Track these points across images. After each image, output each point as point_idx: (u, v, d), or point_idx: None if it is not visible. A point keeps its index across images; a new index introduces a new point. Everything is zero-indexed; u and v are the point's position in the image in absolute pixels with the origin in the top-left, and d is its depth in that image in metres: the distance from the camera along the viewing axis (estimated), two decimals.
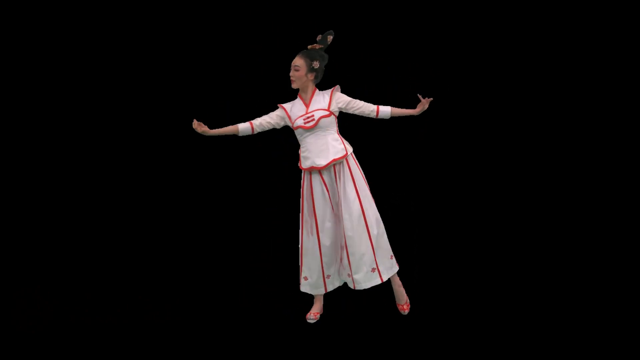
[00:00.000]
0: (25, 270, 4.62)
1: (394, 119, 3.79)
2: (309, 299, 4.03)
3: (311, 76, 3.69)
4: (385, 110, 3.68)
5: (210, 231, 4.94)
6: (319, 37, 3.74)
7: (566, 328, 3.51)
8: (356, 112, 3.70)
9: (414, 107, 3.75)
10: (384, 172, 4.77)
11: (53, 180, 4.92)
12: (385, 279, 3.68)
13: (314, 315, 3.84)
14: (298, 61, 3.68)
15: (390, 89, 3.67)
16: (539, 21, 4.65)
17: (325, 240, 3.76)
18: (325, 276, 3.81)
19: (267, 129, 3.89)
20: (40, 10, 4.88)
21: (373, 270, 3.65)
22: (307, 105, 3.70)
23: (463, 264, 4.57)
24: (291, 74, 3.70)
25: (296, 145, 3.81)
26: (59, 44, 4.90)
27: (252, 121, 3.89)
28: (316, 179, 3.72)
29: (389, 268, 3.70)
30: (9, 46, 4.86)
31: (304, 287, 3.85)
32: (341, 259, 3.76)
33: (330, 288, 3.84)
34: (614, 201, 4.56)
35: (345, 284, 3.81)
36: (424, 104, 3.69)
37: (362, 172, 3.73)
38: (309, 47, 3.73)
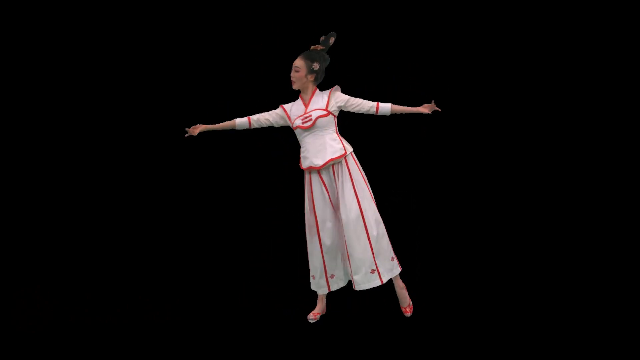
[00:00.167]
0: (25, 270, 4.62)
1: (396, 117, 3.78)
2: (308, 299, 4.02)
3: (311, 77, 3.70)
4: (385, 107, 3.66)
5: (211, 231, 4.94)
6: (322, 38, 3.74)
7: (568, 327, 3.51)
8: (356, 110, 3.70)
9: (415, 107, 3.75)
10: (385, 171, 4.77)
11: (53, 180, 4.92)
12: (385, 280, 3.67)
13: (313, 315, 3.84)
14: (298, 62, 3.68)
15: (390, 88, 3.66)
16: (539, 21, 4.65)
17: (326, 240, 3.75)
18: (329, 276, 3.81)
19: (265, 125, 3.90)
20: (40, 10, 4.88)
21: (372, 271, 3.64)
22: (306, 106, 3.71)
23: (465, 264, 4.57)
24: (292, 74, 3.70)
25: (296, 145, 3.81)
26: (59, 44, 4.90)
27: (251, 116, 3.90)
28: (315, 178, 3.73)
29: (390, 270, 3.69)
30: (9, 46, 4.87)
31: (312, 285, 3.88)
32: (346, 259, 3.75)
33: (334, 287, 3.83)
34: (614, 201, 4.56)
35: (350, 284, 3.81)
36: (433, 106, 3.69)
37: (363, 172, 3.72)
38: (312, 47, 3.73)
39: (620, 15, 4.55)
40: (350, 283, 3.78)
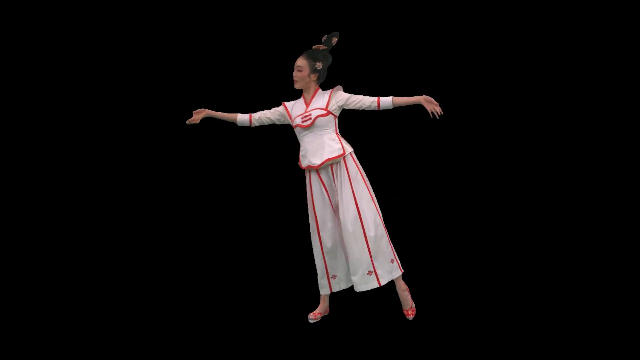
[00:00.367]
0: (25, 270, 4.62)
1: (397, 117, 3.77)
2: (309, 299, 4.02)
3: (314, 77, 3.69)
4: (386, 101, 3.61)
5: (211, 231, 4.94)
6: (324, 38, 3.74)
7: (570, 327, 3.51)
8: (357, 107, 3.66)
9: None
10: (386, 171, 4.78)
11: (53, 180, 4.92)
12: (383, 283, 3.63)
13: (313, 315, 3.83)
14: (301, 62, 3.68)
15: (390, 88, 3.65)
16: (539, 21, 4.65)
17: (327, 240, 3.74)
18: (330, 276, 3.80)
19: (267, 123, 3.91)
20: (40, 10, 4.88)
21: (370, 273, 3.61)
22: (307, 105, 3.70)
23: (466, 264, 4.57)
24: (294, 74, 3.70)
25: (296, 145, 3.81)
26: (60, 44, 4.90)
27: (252, 115, 3.90)
28: (314, 178, 3.73)
29: (389, 272, 3.65)
30: (9, 46, 4.87)
31: (319, 285, 3.87)
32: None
33: (336, 289, 3.82)
34: (614, 201, 4.56)
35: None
36: (433, 104, 3.57)
37: (363, 173, 3.70)
38: (314, 47, 3.72)
39: (620, 15, 4.55)
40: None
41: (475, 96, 4.73)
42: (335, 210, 3.72)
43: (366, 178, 3.70)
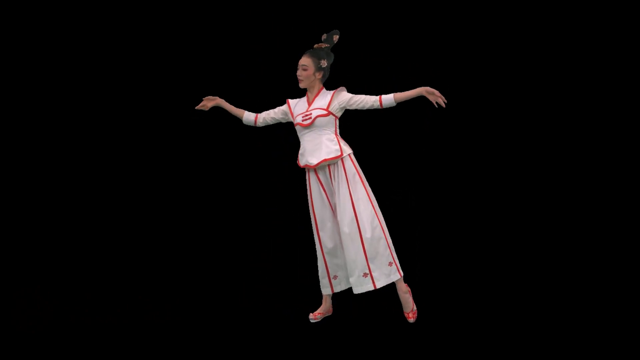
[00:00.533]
0: (25, 270, 4.62)
1: (397, 117, 3.75)
2: (309, 299, 4.02)
3: (319, 75, 3.68)
4: (389, 99, 3.57)
5: (211, 231, 4.95)
6: (324, 37, 3.73)
7: (569, 327, 3.51)
8: (360, 107, 3.63)
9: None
10: (387, 171, 4.78)
11: (53, 180, 4.92)
12: (379, 285, 3.58)
13: (314, 315, 3.83)
14: (305, 60, 3.65)
15: (390, 88, 3.65)
16: (539, 21, 4.65)
17: (327, 240, 3.74)
18: (332, 276, 3.79)
19: (271, 123, 3.91)
20: (41, 10, 4.88)
21: (365, 275, 3.58)
22: (309, 104, 3.69)
23: (467, 264, 4.56)
24: (298, 73, 3.67)
25: (296, 145, 3.81)
26: (61, 44, 4.90)
27: (258, 115, 3.90)
28: (313, 177, 3.72)
29: (386, 275, 3.60)
30: (9, 46, 4.87)
31: (320, 284, 3.87)
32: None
33: (337, 289, 3.81)
34: (614, 201, 4.56)
35: None
36: (436, 94, 3.50)
37: (361, 175, 3.67)
38: (315, 46, 3.71)
39: (620, 15, 4.55)
40: None
41: (476, 96, 4.73)
42: (334, 210, 3.71)
43: (365, 180, 3.68)
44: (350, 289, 3.72)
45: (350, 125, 3.87)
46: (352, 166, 3.65)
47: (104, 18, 4.92)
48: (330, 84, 3.79)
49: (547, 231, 4.61)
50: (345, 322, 3.78)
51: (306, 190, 3.79)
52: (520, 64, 4.68)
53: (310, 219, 3.79)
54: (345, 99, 3.64)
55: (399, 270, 3.64)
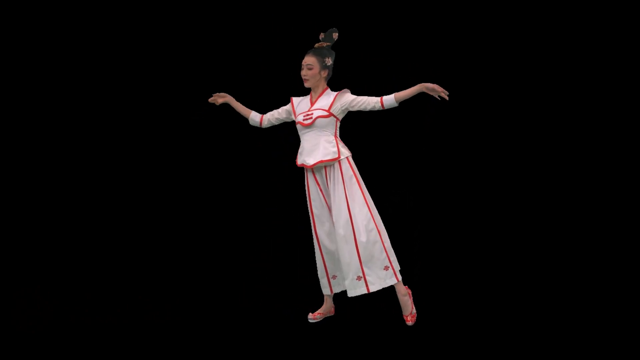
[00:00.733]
0: (25, 270, 4.62)
1: (397, 118, 3.73)
2: (309, 299, 4.02)
3: (324, 73, 3.67)
4: (390, 99, 3.54)
5: (211, 231, 4.95)
6: (321, 36, 3.71)
7: (569, 327, 3.51)
8: (362, 108, 3.61)
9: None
10: (387, 171, 4.78)
11: (53, 180, 4.92)
12: (372, 289, 3.56)
13: (312, 315, 3.82)
14: (310, 59, 3.64)
15: (390, 88, 3.64)
16: (539, 21, 4.65)
17: (325, 240, 3.73)
18: (330, 277, 3.79)
19: (277, 123, 3.91)
20: (41, 10, 4.88)
21: (359, 278, 3.56)
22: (312, 103, 3.68)
23: (467, 265, 4.56)
24: (304, 73, 3.65)
25: (296, 145, 3.81)
26: (62, 44, 4.90)
27: (264, 116, 3.90)
28: (310, 178, 3.72)
29: (382, 279, 3.57)
30: (9, 46, 4.87)
31: (320, 284, 3.86)
32: None
33: (336, 289, 3.80)
34: (614, 201, 4.56)
35: None
36: (436, 88, 3.47)
37: (358, 177, 3.65)
38: (316, 45, 3.69)
39: (620, 15, 4.55)
40: None
41: (476, 96, 4.73)
42: (332, 211, 3.70)
43: (362, 183, 3.66)
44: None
45: (351, 126, 3.86)
46: (349, 169, 3.63)
47: (104, 18, 4.92)
48: (330, 84, 3.78)
49: (547, 233, 4.61)
50: (345, 323, 3.77)
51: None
52: (521, 62, 4.68)
53: (309, 218, 3.80)
54: (347, 100, 3.62)
55: (395, 275, 3.60)
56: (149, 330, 3.62)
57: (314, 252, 3.83)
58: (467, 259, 4.61)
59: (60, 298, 4.19)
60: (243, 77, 4.81)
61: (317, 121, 3.62)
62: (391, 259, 3.61)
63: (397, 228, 4.41)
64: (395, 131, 4.81)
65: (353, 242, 3.56)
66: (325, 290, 3.82)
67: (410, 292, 3.70)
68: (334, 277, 3.78)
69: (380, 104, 3.57)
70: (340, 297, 3.88)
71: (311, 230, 3.79)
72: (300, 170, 3.82)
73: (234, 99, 3.96)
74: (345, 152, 3.65)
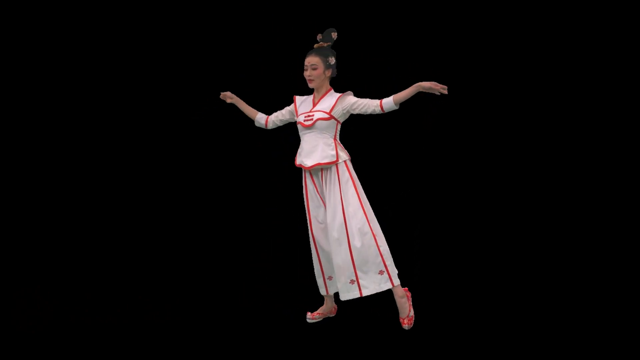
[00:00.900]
0: (25, 270, 4.61)
1: (397, 119, 3.72)
2: (309, 299, 4.02)
3: (328, 72, 3.65)
4: (389, 102, 3.50)
5: (211, 231, 4.94)
6: (319, 37, 3.70)
7: (569, 328, 3.51)
8: (363, 112, 3.58)
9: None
10: (386, 172, 4.77)
11: (53, 180, 4.91)
12: (365, 293, 3.51)
13: (311, 315, 3.81)
14: (314, 59, 3.61)
15: (390, 88, 3.63)
16: (539, 21, 4.65)
17: (321, 240, 3.71)
18: (326, 277, 3.77)
19: (282, 124, 3.90)
20: (42, 10, 4.88)
21: (352, 282, 3.53)
22: (314, 104, 3.67)
23: (467, 267, 4.56)
24: (308, 73, 3.62)
25: (296, 145, 3.80)
26: (63, 44, 4.90)
27: (268, 117, 3.90)
28: (308, 178, 3.71)
29: (376, 283, 3.52)
30: (9, 46, 4.87)
31: (317, 284, 3.84)
32: None
33: (332, 291, 3.78)
34: (614, 201, 4.56)
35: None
36: (433, 85, 3.45)
37: (355, 181, 3.61)
38: (316, 46, 3.68)
39: (621, 15, 4.55)
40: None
41: (476, 97, 4.73)
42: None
43: (359, 186, 3.62)
44: None
45: (352, 129, 3.85)
46: (346, 172, 3.61)
47: (104, 18, 4.92)
48: (331, 84, 3.78)
49: (547, 234, 4.61)
50: (345, 323, 3.76)
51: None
52: (521, 62, 4.68)
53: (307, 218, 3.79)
54: (349, 103, 3.60)
55: (391, 280, 3.54)
56: (149, 330, 3.62)
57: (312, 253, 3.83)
58: (467, 261, 4.61)
59: (60, 298, 4.19)
60: (243, 77, 4.81)
61: (318, 123, 3.60)
62: (387, 263, 3.56)
63: (397, 230, 4.41)
64: (396, 132, 4.80)
65: (347, 245, 3.53)
66: (322, 291, 3.81)
67: (409, 295, 3.65)
68: (330, 277, 3.76)
69: (380, 108, 3.54)
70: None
71: (308, 230, 3.79)
72: (300, 170, 3.82)
73: (241, 101, 3.97)
74: (344, 155, 3.63)
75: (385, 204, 3.88)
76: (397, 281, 3.56)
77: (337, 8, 4.77)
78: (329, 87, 3.70)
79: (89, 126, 4.97)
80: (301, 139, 3.71)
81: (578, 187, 4.64)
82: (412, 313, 3.59)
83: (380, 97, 3.61)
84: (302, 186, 3.80)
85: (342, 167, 3.60)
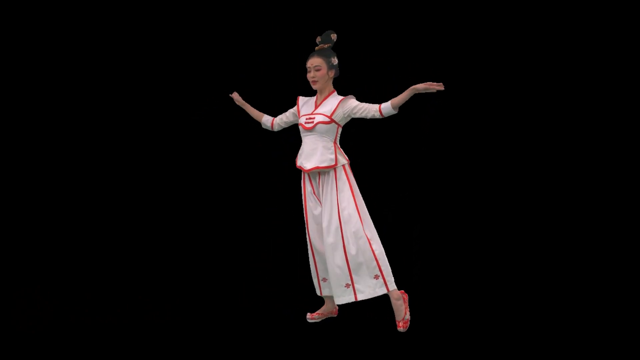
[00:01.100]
0: (25, 270, 4.61)
1: (397, 120, 3.71)
2: (309, 299, 4.02)
3: (332, 73, 3.64)
4: (387, 107, 3.48)
5: (211, 231, 4.94)
6: (318, 39, 3.69)
7: (569, 329, 3.51)
8: (363, 116, 3.56)
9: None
10: (386, 173, 4.77)
11: (53, 180, 4.92)
12: (360, 298, 3.52)
13: (311, 315, 3.82)
14: (317, 61, 3.60)
15: (390, 89, 3.63)
16: (539, 21, 4.65)
17: (316, 242, 3.71)
18: (320, 279, 3.77)
19: (287, 126, 3.90)
20: (43, 9, 4.88)
21: (347, 286, 3.54)
22: (316, 106, 3.67)
23: (467, 269, 4.56)
24: (311, 75, 3.61)
25: (296, 146, 3.81)
26: (65, 44, 4.91)
27: (274, 120, 3.91)
28: (307, 180, 3.72)
29: (371, 288, 3.52)
30: (9, 46, 4.87)
31: (314, 284, 3.85)
32: None
33: (325, 293, 3.78)
34: (613, 201, 4.56)
35: None
36: (429, 85, 3.43)
37: (352, 185, 3.61)
38: (317, 48, 3.67)
39: (621, 15, 4.55)
40: None
41: (476, 97, 4.73)
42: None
43: (356, 190, 3.62)
44: None
45: (352, 128, 3.85)
46: (343, 176, 3.60)
47: (104, 18, 4.92)
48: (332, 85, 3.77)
49: (546, 234, 4.61)
50: (344, 324, 3.75)
51: None
52: (521, 62, 4.68)
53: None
54: (349, 107, 3.58)
55: (386, 284, 3.54)
56: (149, 330, 3.62)
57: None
58: (466, 263, 4.61)
59: (60, 298, 4.19)
60: (243, 77, 4.81)
61: (318, 126, 3.60)
62: (382, 267, 3.54)
63: (396, 232, 4.41)
64: (395, 134, 4.80)
65: (342, 249, 3.53)
66: (317, 291, 3.81)
67: (406, 298, 3.64)
68: (324, 279, 3.76)
69: (379, 113, 3.51)
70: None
71: (306, 231, 3.79)
72: (300, 170, 3.82)
73: (248, 105, 3.99)
74: (342, 159, 3.63)
75: (384, 206, 3.87)
76: (392, 286, 3.56)
77: (337, 8, 4.77)
78: (332, 88, 3.69)
79: (90, 127, 4.97)
80: (302, 140, 3.71)
81: (577, 188, 4.64)
82: (407, 316, 3.59)
83: (380, 98, 3.61)
84: (301, 186, 3.80)
85: (340, 171, 3.60)
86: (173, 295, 4.26)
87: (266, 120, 3.94)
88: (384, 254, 3.58)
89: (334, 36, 3.69)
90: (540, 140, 4.69)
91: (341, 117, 3.60)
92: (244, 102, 3.99)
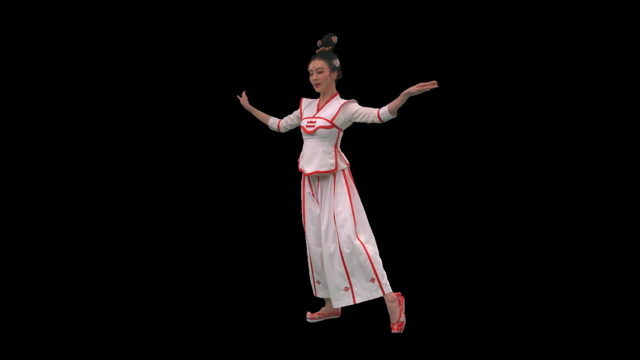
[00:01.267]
0: (25, 270, 4.62)
1: (397, 122, 3.70)
2: (309, 299, 4.03)
3: (334, 75, 3.64)
4: (385, 112, 3.44)
5: (211, 232, 4.95)
6: (319, 42, 3.69)
7: (569, 330, 3.51)
8: (363, 120, 3.53)
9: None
10: (385, 177, 4.78)
11: (53, 180, 4.92)
12: (359, 301, 3.54)
13: (310, 315, 3.82)
14: (319, 63, 3.59)
15: (390, 89, 3.64)
16: (539, 21, 4.65)
17: (312, 244, 3.73)
18: (315, 281, 3.79)
19: (292, 128, 3.91)
20: (44, 9, 4.89)
21: (346, 289, 3.56)
22: (318, 110, 3.67)
23: (467, 271, 4.57)
24: (314, 77, 3.60)
25: (296, 147, 3.81)
26: (65, 43, 4.91)
27: (280, 122, 3.92)
28: (306, 182, 3.72)
29: (368, 291, 3.54)
30: (9, 46, 4.87)
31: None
32: None
33: (320, 295, 3.81)
34: (613, 201, 4.57)
35: None
36: (423, 85, 3.35)
37: (350, 189, 3.62)
38: (318, 51, 3.66)
39: (620, 16, 4.56)
40: None
41: (475, 97, 4.73)
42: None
43: (354, 195, 3.62)
44: None
45: (352, 130, 3.86)
46: (342, 180, 3.61)
47: (106, 19, 4.93)
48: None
49: (546, 236, 4.62)
50: (344, 325, 3.76)
51: None
52: (521, 62, 4.68)
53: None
54: (350, 111, 3.56)
55: (381, 288, 3.55)
56: (149, 330, 3.63)
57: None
58: (465, 265, 4.62)
59: (60, 298, 4.20)
60: (243, 77, 4.82)
61: (319, 131, 3.60)
62: (377, 271, 3.55)
63: (395, 234, 4.41)
64: (394, 135, 4.81)
65: (339, 254, 3.56)
66: (313, 292, 3.84)
67: (402, 300, 3.65)
68: (319, 282, 3.79)
69: (378, 119, 3.48)
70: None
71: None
72: (299, 173, 3.83)
73: (254, 109, 4.00)
74: (342, 164, 3.63)
75: (383, 208, 3.88)
76: (387, 289, 3.57)
77: (337, 8, 4.77)
78: (335, 91, 3.69)
79: (91, 127, 4.98)
80: (304, 143, 3.71)
81: (575, 187, 4.65)
82: (402, 318, 3.60)
83: (382, 100, 3.61)
84: (300, 188, 3.81)
85: (339, 176, 3.61)
86: (173, 295, 4.26)
87: (272, 122, 3.95)
88: (379, 257, 3.60)
89: (334, 39, 3.69)
90: (539, 141, 4.70)
91: (342, 121, 3.60)
92: (250, 106, 4.01)
